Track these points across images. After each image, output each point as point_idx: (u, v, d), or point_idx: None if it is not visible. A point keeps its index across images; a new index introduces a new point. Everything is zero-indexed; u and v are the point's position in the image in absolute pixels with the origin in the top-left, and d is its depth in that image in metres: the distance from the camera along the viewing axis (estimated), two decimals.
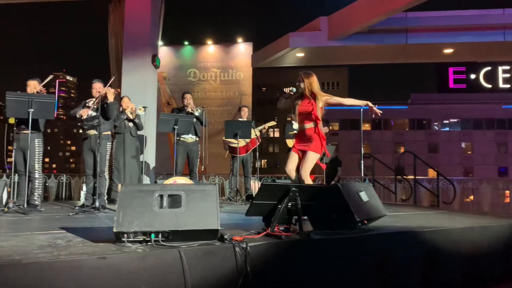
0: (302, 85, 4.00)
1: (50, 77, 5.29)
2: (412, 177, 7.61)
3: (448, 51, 14.10)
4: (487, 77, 40.17)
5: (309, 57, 15.14)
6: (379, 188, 8.52)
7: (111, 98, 5.02)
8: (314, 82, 4.01)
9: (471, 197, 9.77)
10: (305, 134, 3.99)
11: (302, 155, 3.98)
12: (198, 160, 6.45)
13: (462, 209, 8.17)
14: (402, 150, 37.53)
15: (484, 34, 12.83)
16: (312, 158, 3.92)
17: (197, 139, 6.40)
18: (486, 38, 12.88)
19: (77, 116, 5.18)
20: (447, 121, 39.71)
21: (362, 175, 6.40)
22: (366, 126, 38.67)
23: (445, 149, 38.32)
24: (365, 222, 3.17)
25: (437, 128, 39.83)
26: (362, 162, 6.34)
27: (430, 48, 13.76)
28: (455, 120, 39.38)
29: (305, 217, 3.14)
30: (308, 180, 3.88)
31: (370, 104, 4.15)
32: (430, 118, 39.54)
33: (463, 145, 39.02)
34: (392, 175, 8.95)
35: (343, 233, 2.93)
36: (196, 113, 6.22)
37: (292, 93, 4.04)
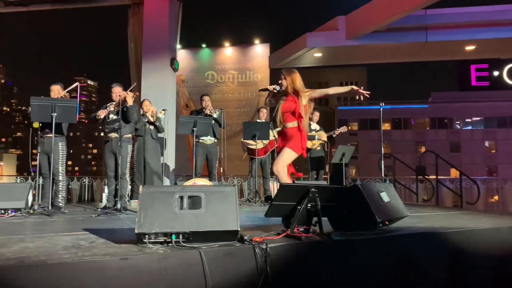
0: (284, 82, 3.90)
1: (75, 84, 5.41)
2: (434, 177, 7.46)
3: (470, 48, 13.82)
4: (511, 74, 39.10)
5: (327, 57, 15.06)
6: (400, 189, 8.39)
7: (130, 101, 5.10)
8: (296, 79, 3.89)
9: (496, 197, 9.52)
10: (287, 132, 3.89)
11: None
12: (217, 161, 6.48)
13: (486, 210, 7.96)
14: (423, 149, 36.84)
15: (507, 30, 12.51)
16: (288, 154, 3.77)
17: (216, 140, 6.44)
18: (509, 34, 12.56)
19: (97, 117, 5.28)
20: (469, 120, 38.82)
21: (383, 175, 6.32)
22: (386, 126, 38.14)
23: (467, 148, 37.44)
24: (386, 223, 3.13)
25: (459, 127, 38.96)
26: (383, 162, 6.26)
27: (451, 45, 13.50)
28: (478, 118, 38.45)
29: (325, 218, 3.12)
30: (283, 177, 3.71)
31: (355, 87, 4.01)
32: (452, 116, 38.69)
33: (486, 144, 38.03)
34: (413, 175, 8.79)
35: (364, 234, 2.90)
36: (215, 115, 6.25)
37: (275, 91, 3.94)
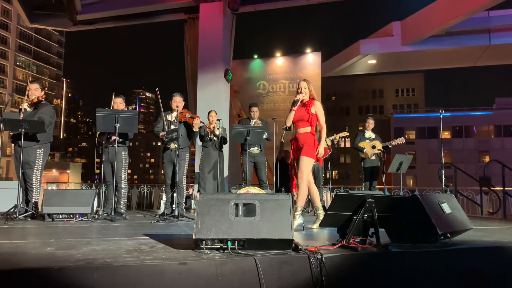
0: (306, 91, 4.44)
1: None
2: (501, 188, 6.98)
3: None
4: None
5: (381, 64, 14.72)
6: (462, 200, 7.94)
7: (196, 128, 5.29)
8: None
9: None
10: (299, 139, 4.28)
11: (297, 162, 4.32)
12: (266, 169, 6.51)
13: None
14: (487, 159, 34.62)
15: None
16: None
17: (262, 150, 6.45)
18: None
19: (161, 136, 5.40)
20: None
21: (443, 186, 6.03)
22: (445, 134, 36.34)
23: None
24: (448, 235, 2.97)
25: None
26: (443, 172, 5.98)
27: None
28: None
29: (382, 229, 3.02)
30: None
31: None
32: None
33: None
34: (476, 186, 8.28)
35: (425, 247, 2.78)
36: (264, 136, 6.21)
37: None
